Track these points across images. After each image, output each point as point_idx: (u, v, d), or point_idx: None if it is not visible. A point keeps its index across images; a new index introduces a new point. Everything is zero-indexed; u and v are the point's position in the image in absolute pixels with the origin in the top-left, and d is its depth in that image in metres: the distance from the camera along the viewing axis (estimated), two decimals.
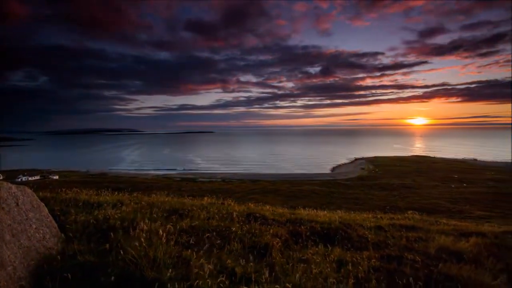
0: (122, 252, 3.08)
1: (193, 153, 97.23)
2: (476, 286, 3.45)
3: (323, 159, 75.51)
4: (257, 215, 6.29)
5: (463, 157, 70.90)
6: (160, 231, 3.64)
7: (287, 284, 2.75)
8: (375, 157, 73.17)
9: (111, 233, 3.65)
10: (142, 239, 3.36)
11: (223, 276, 2.79)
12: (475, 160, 66.23)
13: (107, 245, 3.25)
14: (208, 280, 2.74)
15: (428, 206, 25.38)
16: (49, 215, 3.71)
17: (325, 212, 9.24)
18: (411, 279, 3.37)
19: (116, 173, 51.86)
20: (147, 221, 4.29)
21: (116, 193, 8.29)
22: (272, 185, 38.56)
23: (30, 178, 61.62)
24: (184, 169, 59.76)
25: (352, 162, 67.65)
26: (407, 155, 77.04)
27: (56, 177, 62.36)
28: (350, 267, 3.70)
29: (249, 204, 8.59)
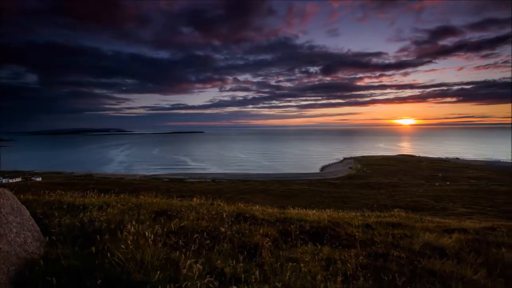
0: (108, 255, 3.01)
1: (182, 154, 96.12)
2: (458, 280, 3.57)
3: (312, 159, 76.32)
4: (247, 215, 6.29)
5: (446, 156, 73.34)
6: (148, 233, 3.58)
7: (277, 284, 2.77)
8: (363, 156, 74.59)
9: (97, 236, 3.56)
10: (129, 242, 3.29)
11: (212, 277, 2.77)
12: (458, 159, 68.65)
13: (93, 249, 3.17)
14: (197, 281, 2.72)
15: (414, 203, 26.11)
16: (31, 218, 3.58)
17: (314, 211, 9.35)
18: (396, 275, 3.46)
19: (103, 174, 50.59)
20: (134, 223, 4.21)
21: (102, 195, 8.11)
22: (262, 185, 38.65)
23: (10, 180, 59.13)
24: (173, 170, 58.98)
25: (341, 161, 68.72)
26: (394, 154, 78.95)
27: (39, 179, 60.15)
28: (338, 265, 3.76)
29: (239, 204, 8.58)
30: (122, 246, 3.18)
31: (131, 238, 3.50)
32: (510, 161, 63.70)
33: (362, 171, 50.16)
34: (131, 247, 3.19)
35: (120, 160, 78.31)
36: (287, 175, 48.86)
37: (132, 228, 3.98)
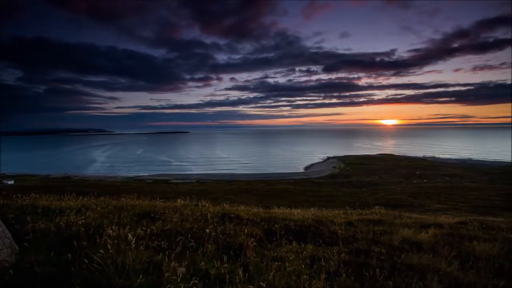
0: (86, 261, 2.90)
1: (166, 154, 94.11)
2: (433, 273, 3.75)
3: (297, 158, 77.24)
4: (232, 215, 6.27)
5: (423, 155, 76.69)
6: (129, 236, 3.48)
7: (261, 283, 2.78)
8: (346, 156, 76.44)
9: (75, 241, 3.42)
10: (109, 246, 3.19)
11: (196, 279, 2.74)
12: (434, 157, 71.99)
13: (70, 254, 3.03)
14: (180, 284, 2.67)
15: (393, 201, 27.08)
16: (1, 224, 3.38)
17: (299, 210, 9.49)
18: (377, 270, 3.58)
19: (82, 176, 48.52)
20: (114, 226, 4.09)
21: (81, 198, 7.80)
22: (247, 185, 38.62)
23: None
24: (157, 171, 57.65)
25: (324, 161, 70.00)
26: (375, 153, 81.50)
27: (12, 182, 56.69)
28: (322, 263, 3.83)
29: (224, 204, 8.54)
30: (102, 250, 3.07)
31: (111, 242, 3.39)
32: (481, 159, 67.67)
33: (345, 170, 51.39)
34: (111, 251, 3.08)
35: (101, 161, 75.35)
36: (272, 175, 49.14)
37: (113, 231, 3.86)
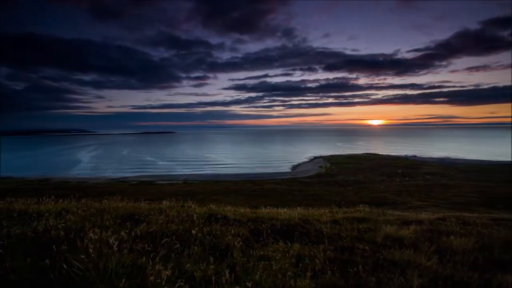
0: (66, 266, 2.80)
1: (151, 154, 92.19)
2: (414, 268, 3.89)
3: (284, 158, 77.78)
4: (219, 216, 6.24)
5: (405, 154, 79.33)
6: (112, 240, 3.39)
7: (247, 283, 2.78)
8: (332, 155, 77.77)
9: (54, 246, 3.28)
10: (91, 250, 3.09)
11: (181, 281, 2.70)
12: (415, 156, 74.64)
13: (48, 260, 2.91)
14: (165, 287, 2.63)
15: (377, 199, 27.83)
16: None
17: (286, 209, 9.57)
18: (361, 267, 3.67)
19: (62, 178, 46.65)
20: (97, 229, 3.97)
21: (61, 200, 7.51)
22: (235, 185, 38.48)
23: None
24: (141, 172, 56.33)
25: (311, 160, 70.88)
26: (360, 153, 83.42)
27: None
28: (307, 261, 3.89)
29: (211, 205, 8.48)
30: (83, 255, 2.97)
31: (93, 246, 3.28)
32: (459, 158, 70.84)
33: (330, 169, 52.29)
34: (93, 255, 2.99)
35: (84, 162, 72.78)
36: (260, 175, 49.23)
37: (95, 235, 3.74)
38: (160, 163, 71.16)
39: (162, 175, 50.41)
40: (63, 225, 4.31)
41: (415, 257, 4.34)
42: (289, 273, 3.30)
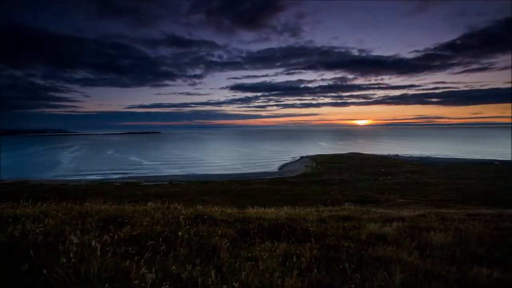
0: (45, 272, 2.68)
1: (136, 155, 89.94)
2: (397, 263, 4.02)
3: (272, 158, 78.17)
4: (206, 217, 6.19)
5: (388, 153, 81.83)
6: (94, 243, 3.28)
7: (234, 284, 2.77)
8: (318, 155, 78.97)
9: (32, 251, 3.14)
10: (72, 255, 2.97)
11: (167, 284, 2.66)
12: (397, 155, 77.14)
13: (26, 266, 2.78)
14: None
15: (361, 197, 28.54)
16: None
17: (273, 209, 9.61)
18: (346, 264, 3.75)
19: (41, 180, 44.62)
20: (78, 233, 3.83)
21: (39, 204, 7.18)
22: (222, 185, 38.27)
23: None
24: (125, 173, 54.83)
25: (297, 160, 71.67)
26: (344, 152, 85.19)
27: None
28: (294, 260, 3.92)
29: (197, 206, 8.39)
30: (63, 260, 2.85)
31: (74, 250, 3.16)
32: (438, 156, 73.92)
33: (317, 169, 53.08)
34: (73, 260, 2.88)
35: (64, 164, 69.90)
36: (247, 175, 49.22)
37: (76, 239, 3.61)
38: (144, 163, 69.60)
39: (147, 176, 49.33)
40: (42, 229, 4.12)
41: (398, 253, 4.49)
42: (276, 272, 3.32)
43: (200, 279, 2.86)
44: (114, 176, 50.00)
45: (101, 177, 48.69)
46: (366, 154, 78.00)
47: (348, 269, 3.62)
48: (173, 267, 3.12)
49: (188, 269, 3.09)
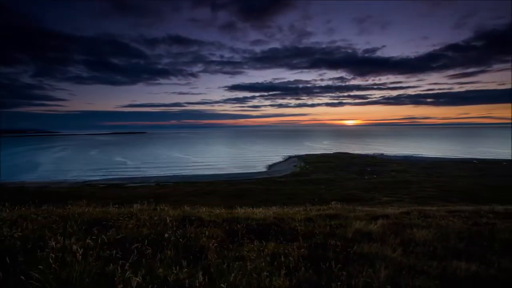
0: (23, 278, 2.56)
1: (121, 155, 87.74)
2: (381, 260, 4.12)
3: (260, 158, 78.29)
4: (193, 218, 6.12)
5: (374, 153, 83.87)
6: (76, 247, 3.17)
7: (222, 285, 2.76)
8: (306, 155, 79.84)
9: (7, 258, 3.00)
10: (51, 260, 2.86)
11: (153, 287, 2.61)
12: (382, 154, 79.20)
13: (1, 273, 2.65)
14: None
15: (348, 196, 29.10)
16: None
17: (261, 209, 9.64)
18: (333, 262, 3.81)
19: (20, 183, 42.72)
20: (59, 237, 3.69)
21: (17, 207, 6.87)
22: (210, 185, 37.99)
23: None
24: (110, 174, 53.40)
25: (286, 160, 72.17)
26: (331, 152, 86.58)
27: None
28: (282, 259, 3.95)
29: (185, 207, 8.29)
30: (43, 265, 2.74)
31: (54, 255, 3.04)
32: (421, 155, 76.51)
33: (305, 168, 53.65)
34: (53, 265, 2.77)
35: (44, 166, 67.18)
36: (235, 175, 49.08)
37: (56, 243, 3.48)
38: (130, 164, 68.02)
39: (133, 177, 48.23)
40: (20, 234, 3.95)
41: (382, 249, 4.61)
42: (264, 272, 3.33)
43: (187, 281, 2.83)
44: (99, 178, 48.58)
45: (85, 179, 47.19)
46: (353, 154, 79.61)
47: (335, 267, 3.68)
48: (160, 270, 3.07)
49: (175, 272, 3.05)
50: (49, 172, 55.89)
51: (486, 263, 4.22)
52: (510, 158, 64.44)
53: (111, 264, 3.08)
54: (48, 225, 4.71)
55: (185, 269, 3.10)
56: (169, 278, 2.92)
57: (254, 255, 4.01)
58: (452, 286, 3.44)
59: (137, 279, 2.65)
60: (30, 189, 36.36)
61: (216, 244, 4.21)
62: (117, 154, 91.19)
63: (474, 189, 31.85)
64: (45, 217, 5.43)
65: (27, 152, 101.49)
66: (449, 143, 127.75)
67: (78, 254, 3.03)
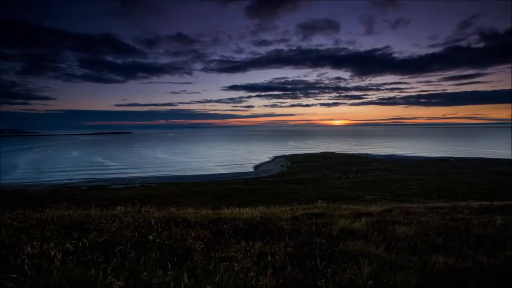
0: None
1: (104, 156, 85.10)
2: (365, 256, 4.23)
3: (247, 158, 78.22)
4: (179, 219, 6.03)
5: (358, 152, 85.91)
6: (55, 253, 3.04)
7: (208, 286, 2.73)
8: (293, 154, 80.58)
9: None
10: (27, 267, 2.73)
11: None
12: (367, 154, 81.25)
13: None
14: None
15: (334, 195, 29.64)
16: None
17: (248, 209, 9.64)
18: (318, 260, 3.87)
19: None
20: (36, 243, 3.52)
21: None
22: (197, 186, 37.55)
23: None
24: (92, 176, 51.63)
25: (273, 160, 72.51)
26: (318, 152, 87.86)
27: None
28: (269, 258, 3.97)
29: (171, 208, 8.16)
30: (17, 273, 2.61)
31: (30, 262, 2.91)
32: (403, 154, 79.15)
33: (291, 168, 54.14)
34: (29, 272, 2.64)
35: (21, 167, 63.99)
36: (222, 176, 48.79)
37: (33, 249, 3.32)
38: (113, 165, 66.07)
39: (117, 178, 46.86)
40: None
41: (366, 246, 4.73)
42: (250, 272, 3.33)
43: (172, 283, 2.78)
44: (80, 180, 46.84)
45: (65, 181, 45.35)
46: (338, 153, 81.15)
47: (320, 265, 3.74)
48: (144, 273, 3.00)
49: (159, 275, 2.99)
50: (26, 174, 53.30)
51: (463, 257, 4.42)
52: (484, 157, 68.03)
53: (92, 269, 2.98)
54: (25, 230, 4.50)
55: (170, 272, 3.05)
56: (153, 281, 2.86)
57: (241, 255, 4.01)
58: (432, 279, 3.58)
59: (119, 283, 2.57)
60: (6, 192, 34.52)
61: (202, 246, 4.17)
62: (100, 155, 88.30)
63: (451, 186, 33.31)
64: (21, 222, 5.18)
65: (4, 154, 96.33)
66: (433, 143, 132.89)
67: (56, 260, 2.91)
